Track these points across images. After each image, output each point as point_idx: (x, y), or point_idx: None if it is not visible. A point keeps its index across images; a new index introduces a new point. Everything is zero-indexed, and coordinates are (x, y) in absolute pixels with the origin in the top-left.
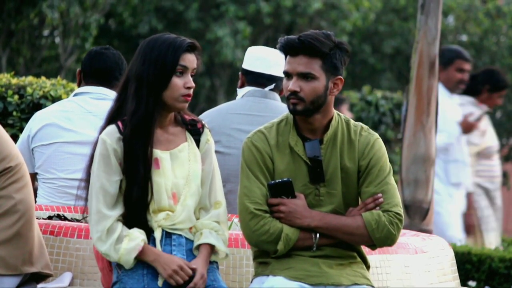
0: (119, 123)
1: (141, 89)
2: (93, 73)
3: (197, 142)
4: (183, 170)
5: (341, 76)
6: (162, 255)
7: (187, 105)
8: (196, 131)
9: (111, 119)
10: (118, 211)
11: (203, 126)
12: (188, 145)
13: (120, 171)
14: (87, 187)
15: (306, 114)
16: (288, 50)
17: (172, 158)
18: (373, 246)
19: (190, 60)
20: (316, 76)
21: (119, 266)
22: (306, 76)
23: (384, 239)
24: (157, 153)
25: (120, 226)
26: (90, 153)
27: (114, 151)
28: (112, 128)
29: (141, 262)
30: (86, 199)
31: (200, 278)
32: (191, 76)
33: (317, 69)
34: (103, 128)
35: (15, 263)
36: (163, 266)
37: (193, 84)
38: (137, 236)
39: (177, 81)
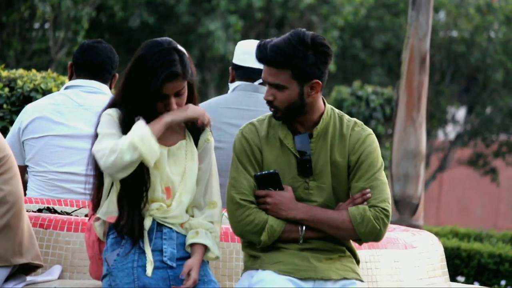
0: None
1: (129, 99)
2: (85, 66)
3: (196, 141)
4: (179, 168)
5: (317, 79)
6: (163, 117)
7: None
8: (196, 130)
9: (112, 106)
10: None
11: (203, 124)
12: (185, 142)
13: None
14: (92, 182)
15: (288, 119)
16: (259, 60)
17: (169, 154)
18: (359, 241)
19: (170, 88)
20: (286, 86)
21: (109, 259)
22: (276, 86)
23: (368, 234)
24: None
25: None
26: (91, 146)
27: (117, 124)
28: (115, 109)
29: (132, 254)
30: (91, 195)
31: (192, 283)
32: (179, 95)
33: (286, 79)
34: (103, 111)
35: (5, 254)
36: (178, 111)
37: (174, 107)
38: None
39: (157, 104)
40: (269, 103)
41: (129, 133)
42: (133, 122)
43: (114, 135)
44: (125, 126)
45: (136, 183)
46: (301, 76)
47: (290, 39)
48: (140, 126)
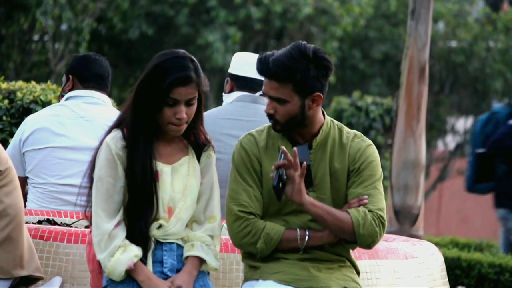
0: (125, 130)
1: (139, 106)
2: (92, 78)
3: (199, 156)
4: (180, 184)
5: (319, 92)
6: (152, 278)
7: (180, 132)
8: (198, 145)
9: (118, 124)
10: (120, 216)
11: (207, 140)
12: (188, 159)
13: (124, 178)
14: (88, 193)
15: (288, 131)
16: (260, 73)
17: (172, 172)
18: (353, 245)
19: (182, 93)
20: (288, 100)
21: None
22: (278, 100)
23: (367, 236)
24: (159, 166)
25: (121, 234)
26: (91, 158)
27: (119, 157)
28: (117, 133)
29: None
30: (86, 205)
31: None
32: (190, 104)
33: (288, 93)
34: (109, 131)
35: (6, 267)
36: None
37: (184, 116)
38: (133, 249)
39: (167, 110)
40: (270, 116)
41: (116, 258)
42: (138, 142)
43: (109, 183)
44: (130, 147)
45: (141, 208)
46: (303, 90)
47: (292, 52)
48: (124, 263)
